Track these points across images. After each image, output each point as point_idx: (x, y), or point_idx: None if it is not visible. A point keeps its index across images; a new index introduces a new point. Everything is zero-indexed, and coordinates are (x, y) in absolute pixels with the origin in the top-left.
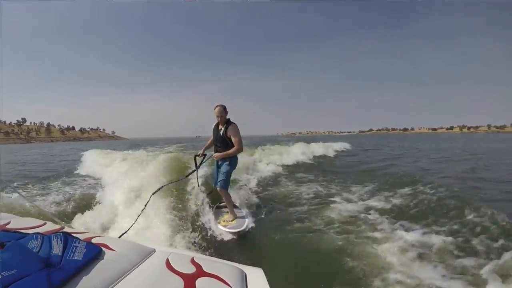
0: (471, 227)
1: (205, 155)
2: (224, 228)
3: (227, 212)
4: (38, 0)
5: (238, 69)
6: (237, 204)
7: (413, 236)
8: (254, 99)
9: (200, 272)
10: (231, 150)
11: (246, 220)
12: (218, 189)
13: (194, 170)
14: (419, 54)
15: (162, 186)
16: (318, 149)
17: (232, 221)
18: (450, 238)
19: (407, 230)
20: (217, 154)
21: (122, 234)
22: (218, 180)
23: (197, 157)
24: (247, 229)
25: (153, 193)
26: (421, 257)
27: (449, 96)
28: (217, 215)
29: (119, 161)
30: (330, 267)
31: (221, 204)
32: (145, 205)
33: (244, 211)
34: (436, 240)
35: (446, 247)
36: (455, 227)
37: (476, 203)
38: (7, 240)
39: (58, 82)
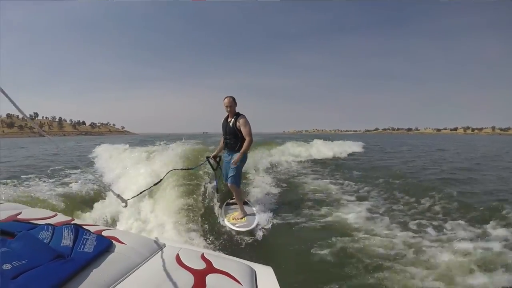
0: None
1: (219, 157)
2: (232, 226)
3: (237, 210)
4: (42, 0)
5: (244, 66)
6: (248, 201)
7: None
8: (260, 96)
9: (210, 268)
10: (245, 145)
11: (256, 218)
12: (228, 185)
13: (201, 164)
14: (425, 53)
15: (176, 169)
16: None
17: (241, 219)
18: None
19: (425, 233)
20: (235, 158)
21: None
22: (229, 176)
23: (209, 159)
24: (256, 228)
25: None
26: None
27: (453, 96)
28: (226, 212)
29: (134, 155)
30: (341, 268)
31: (230, 201)
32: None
33: (255, 209)
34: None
35: None
36: None
37: None
38: (18, 230)
39: (67, 77)
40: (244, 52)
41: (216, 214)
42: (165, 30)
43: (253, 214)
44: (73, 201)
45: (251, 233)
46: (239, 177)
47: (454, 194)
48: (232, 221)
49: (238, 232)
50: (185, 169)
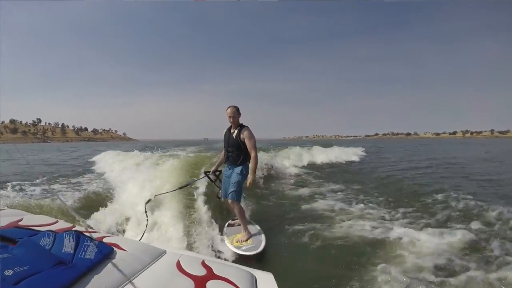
0: None
1: (219, 171)
2: (238, 250)
3: (240, 231)
4: (45, 0)
5: (244, 72)
6: (250, 221)
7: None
8: (260, 101)
9: (211, 275)
10: (254, 162)
11: (263, 239)
12: (229, 201)
13: (197, 179)
14: (424, 57)
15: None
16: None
17: (246, 240)
18: None
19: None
20: (250, 180)
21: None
22: (229, 192)
23: (208, 174)
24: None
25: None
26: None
27: (452, 100)
28: (229, 234)
29: (136, 162)
30: (342, 275)
31: (232, 222)
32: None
33: (259, 228)
34: None
35: None
36: None
37: None
38: (20, 236)
39: (69, 82)
40: (244, 57)
41: (214, 225)
42: (166, 36)
43: (259, 234)
44: (75, 207)
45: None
46: (241, 192)
47: None
48: (236, 244)
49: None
50: (182, 187)
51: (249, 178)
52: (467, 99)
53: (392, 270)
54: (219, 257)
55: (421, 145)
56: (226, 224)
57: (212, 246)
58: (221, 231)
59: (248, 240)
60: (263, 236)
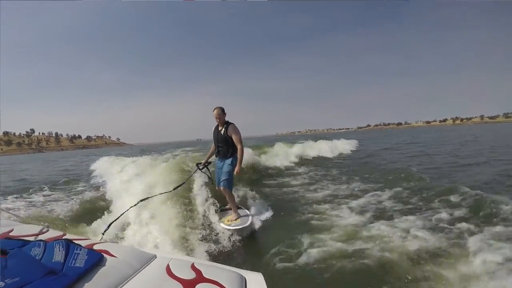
0: None
1: (209, 163)
2: (228, 227)
3: (231, 213)
4: (40, 0)
5: (236, 71)
6: (240, 206)
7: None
8: (253, 100)
9: (200, 278)
10: (240, 154)
11: (250, 217)
12: (221, 189)
13: (193, 174)
14: (413, 47)
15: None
16: None
17: (235, 220)
18: None
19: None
20: (237, 169)
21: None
22: (221, 180)
23: (199, 165)
24: (251, 226)
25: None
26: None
27: (443, 89)
28: (220, 217)
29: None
30: (331, 273)
31: (225, 207)
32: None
33: (247, 211)
34: None
35: None
36: None
37: None
38: (10, 247)
39: (59, 90)
40: (235, 56)
41: (206, 218)
42: (158, 38)
43: (247, 215)
44: (65, 215)
45: (242, 239)
46: (232, 180)
47: None
48: (227, 223)
49: (230, 238)
50: (178, 187)
51: (236, 168)
52: (457, 87)
53: (388, 271)
54: (211, 253)
55: (386, 135)
56: (219, 210)
57: (206, 228)
58: (214, 214)
59: (237, 220)
60: (250, 217)
